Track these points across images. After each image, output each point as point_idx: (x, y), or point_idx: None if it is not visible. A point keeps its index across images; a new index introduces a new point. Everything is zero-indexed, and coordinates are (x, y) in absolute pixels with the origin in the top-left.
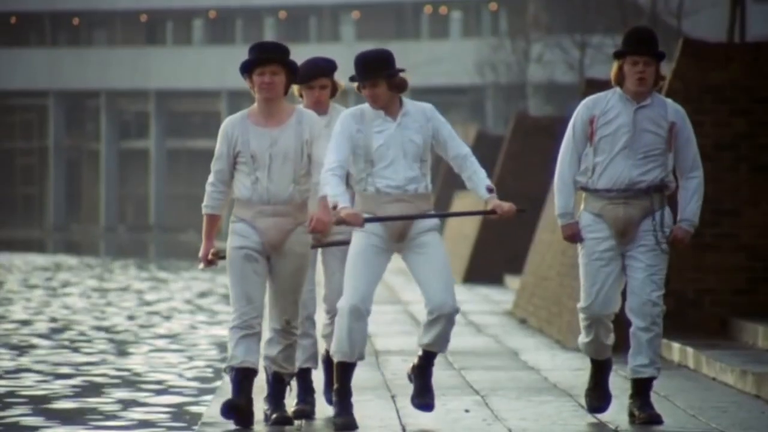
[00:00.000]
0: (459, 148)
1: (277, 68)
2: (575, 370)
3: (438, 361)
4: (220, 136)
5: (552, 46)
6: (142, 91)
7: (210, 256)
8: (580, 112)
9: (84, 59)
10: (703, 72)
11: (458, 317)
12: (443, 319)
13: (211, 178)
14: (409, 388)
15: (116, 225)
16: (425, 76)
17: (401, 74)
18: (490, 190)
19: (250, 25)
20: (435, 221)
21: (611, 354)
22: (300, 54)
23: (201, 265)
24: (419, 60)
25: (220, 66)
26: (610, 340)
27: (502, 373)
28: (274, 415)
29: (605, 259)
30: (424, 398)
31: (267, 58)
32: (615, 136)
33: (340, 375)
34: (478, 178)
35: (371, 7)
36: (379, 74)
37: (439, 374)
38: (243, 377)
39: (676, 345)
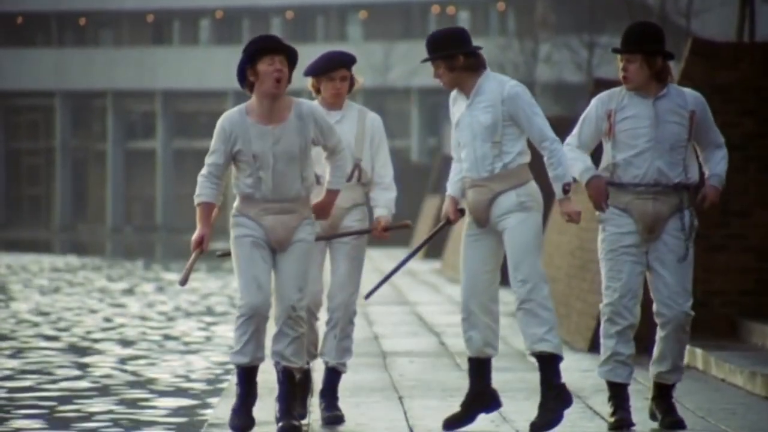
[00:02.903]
0: (537, 135)
1: (284, 59)
2: (583, 372)
3: (445, 362)
4: (217, 132)
5: (560, 46)
6: (149, 92)
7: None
8: (596, 105)
9: (90, 59)
10: (711, 72)
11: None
12: (521, 309)
13: (204, 171)
14: (415, 389)
15: (123, 225)
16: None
17: (469, 52)
18: (565, 191)
19: (257, 25)
20: (514, 201)
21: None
22: (307, 54)
23: (184, 271)
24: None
25: (226, 66)
26: (631, 350)
27: (510, 375)
28: (281, 423)
29: (630, 253)
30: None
31: (276, 46)
32: (637, 131)
33: (478, 372)
34: (554, 174)
35: (378, 7)
36: (430, 58)
37: (447, 375)
38: (251, 375)
39: None
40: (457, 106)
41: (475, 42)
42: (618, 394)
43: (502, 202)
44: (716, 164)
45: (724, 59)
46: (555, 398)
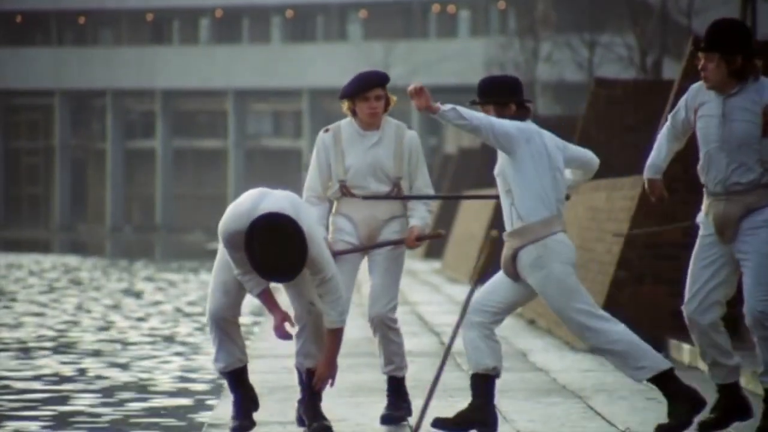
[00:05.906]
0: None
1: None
2: (584, 372)
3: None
4: None
5: (561, 45)
6: (149, 91)
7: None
8: (686, 98)
9: (90, 58)
10: None
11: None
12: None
13: None
14: (415, 389)
15: (122, 225)
16: (433, 76)
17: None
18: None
19: (257, 24)
20: (533, 256)
21: (735, 377)
22: (307, 53)
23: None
24: (427, 59)
25: (226, 65)
26: (726, 358)
27: (510, 375)
28: (314, 424)
29: (709, 263)
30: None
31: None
32: (708, 131)
33: (478, 387)
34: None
35: (379, 6)
36: (481, 101)
37: (447, 376)
38: (237, 378)
39: (686, 346)
40: None
41: (475, 41)
42: (722, 393)
43: (522, 258)
44: None
45: None
46: (683, 404)
